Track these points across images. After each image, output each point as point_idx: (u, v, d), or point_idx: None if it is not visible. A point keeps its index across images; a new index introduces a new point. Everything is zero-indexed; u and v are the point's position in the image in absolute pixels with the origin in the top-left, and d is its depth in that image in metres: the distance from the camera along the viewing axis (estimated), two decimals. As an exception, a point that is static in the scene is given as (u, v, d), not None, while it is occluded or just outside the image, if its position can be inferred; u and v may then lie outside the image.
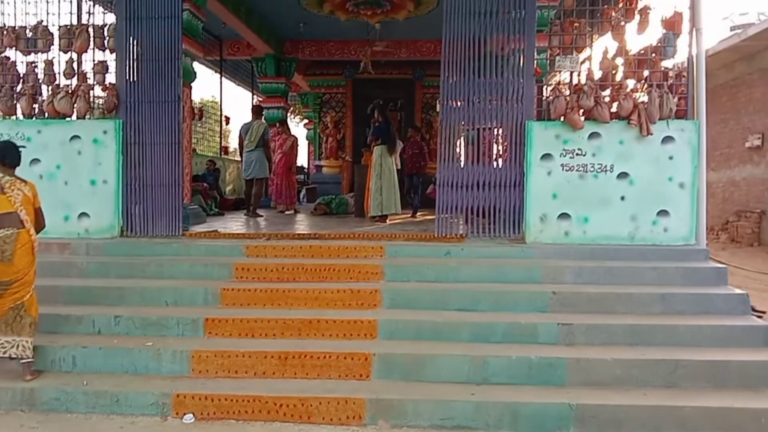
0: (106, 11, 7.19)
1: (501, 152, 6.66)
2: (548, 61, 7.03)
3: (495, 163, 6.58)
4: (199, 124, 14.57)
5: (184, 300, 5.25)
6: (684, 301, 5.09)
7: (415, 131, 10.86)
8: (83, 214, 6.36)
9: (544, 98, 6.48)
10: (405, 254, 5.91)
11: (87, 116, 6.51)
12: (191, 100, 8.25)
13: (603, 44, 6.66)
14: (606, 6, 6.59)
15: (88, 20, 6.96)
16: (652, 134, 5.89)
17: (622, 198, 5.95)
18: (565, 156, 6.01)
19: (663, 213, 5.93)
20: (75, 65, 6.74)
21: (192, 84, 7.77)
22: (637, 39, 6.53)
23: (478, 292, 5.16)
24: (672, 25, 6.26)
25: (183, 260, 5.84)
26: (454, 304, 5.10)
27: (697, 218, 5.93)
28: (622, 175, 5.95)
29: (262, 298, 5.23)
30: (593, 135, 5.99)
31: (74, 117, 6.53)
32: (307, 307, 5.14)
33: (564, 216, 6.00)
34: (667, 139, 5.93)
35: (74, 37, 6.63)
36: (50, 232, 6.16)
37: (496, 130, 6.56)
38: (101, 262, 5.83)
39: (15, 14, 6.82)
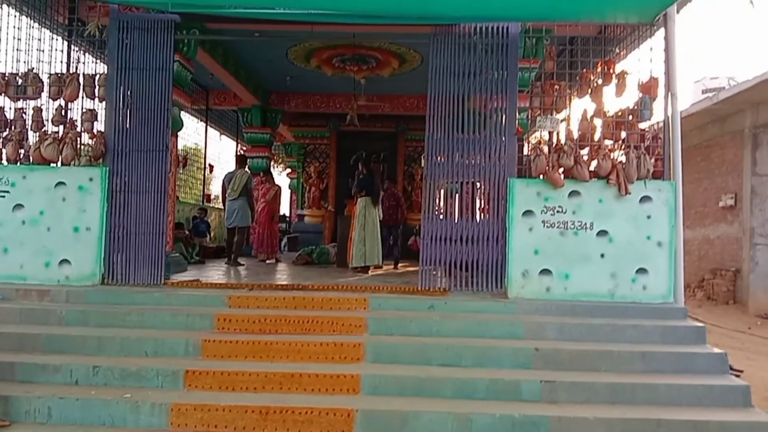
0: (97, 61, 7.31)
1: (483, 206, 6.78)
2: (529, 121, 7.26)
3: (477, 218, 6.70)
4: (181, 171, 14.62)
5: (165, 351, 5.17)
6: (664, 360, 5.14)
7: (392, 183, 11.00)
8: (64, 261, 6.29)
9: (525, 155, 6.65)
10: (389, 307, 5.92)
11: (73, 163, 6.52)
12: (177, 149, 8.32)
13: (582, 105, 6.90)
14: (585, 70, 6.85)
15: (77, 69, 7.06)
16: (630, 194, 6.06)
17: (602, 255, 6.06)
18: (546, 213, 6.14)
19: (642, 271, 6.04)
20: (64, 113, 6.80)
21: (178, 133, 7.86)
22: (615, 101, 6.80)
23: (462, 347, 5.17)
24: (648, 89, 6.51)
25: (164, 310, 5.77)
26: (438, 359, 5.09)
27: (675, 277, 6.05)
28: (602, 233, 6.08)
29: (244, 350, 5.18)
30: (573, 193, 6.14)
31: (59, 164, 6.54)
32: (290, 361, 5.09)
33: (545, 272, 6.09)
34: (645, 199, 6.10)
35: (64, 85, 6.71)
36: (30, 279, 6.20)
37: (478, 184, 6.71)
38: (81, 309, 5.73)
39: (6, 61, 6.90)
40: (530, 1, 5.71)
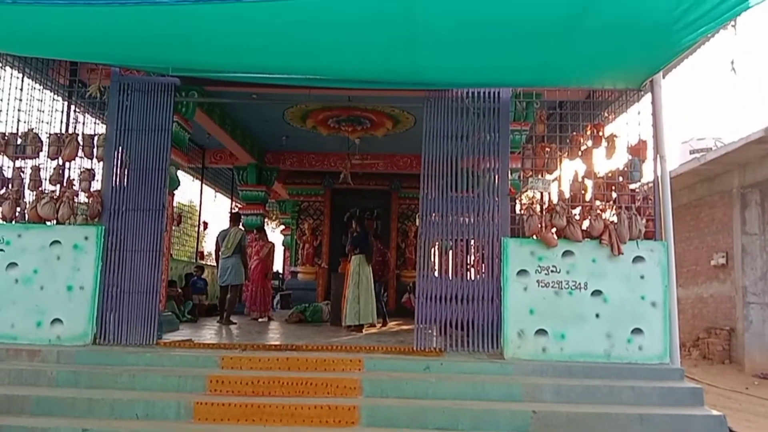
0: (97, 121, 7.43)
1: (476, 264, 6.81)
2: (521, 181, 7.38)
3: (472, 276, 6.71)
4: (176, 228, 14.66)
5: (156, 413, 5.08)
6: (662, 422, 5.08)
7: (376, 239, 11.03)
8: (56, 320, 6.22)
9: (517, 215, 6.73)
10: (384, 368, 5.85)
11: (69, 222, 6.54)
12: (173, 207, 8.36)
13: (573, 166, 7.03)
14: (575, 132, 7.01)
15: (75, 129, 7.17)
16: (623, 254, 6.11)
17: (597, 315, 6.06)
18: (540, 272, 6.17)
19: (637, 331, 6.04)
20: (62, 172, 6.86)
21: (175, 191, 7.93)
22: (606, 162, 6.93)
23: (458, 410, 5.10)
24: (637, 151, 6.65)
25: (156, 371, 5.70)
26: (434, 423, 5.02)
27: (671, 337, 6.04)
28: (596, 293, 6.10)
29: (236, 413, 5.09)
30: (567, 253, 6.19)
31: (54, 222, 6.56)
32: (283, 424, 5.01)
33: (541, 332, 6.07)
34: (638, 259, 6.15)
35: (63, 145, 6.78)
36: (21, 338, 6.13)
37: (472, 241, 6.75)
38: (72, 370, 5.64)
39: (7, 121, 7.01)
40: (520, 69, 5.89)
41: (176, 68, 6.30)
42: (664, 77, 6.51)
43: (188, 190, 14.97)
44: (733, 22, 4.89)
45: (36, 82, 7.30)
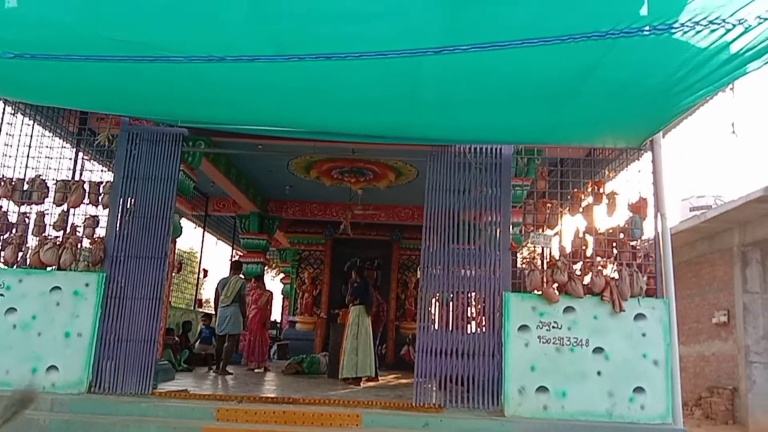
0: (104, 169, 7.52)
1: (476, 316, 6.78)
2: (522, 235, 7.42)
3: (472, 329, 6.67)
4: (175, 275, 14.63)
5: (149, 467, 4.98)
6: (666, 486, 4.98)
7: (375, 290, 10.99)
8: (52, 367, 6.15)
9: (519, 269, 6.74)
10: (382, 424, 5.76)
11: (71, 268, 6.54)
12: (174, 254, 8.37)
13: (574, 222, 7.08)
14: (575, 189, 7.09)
15: (81, 176, 7.25)
16: (624, 311, 6.09)
17: (599, 373, 6.00)
18: (541, 328, 6.13)
19: (639, 390, 5.96)
20: (66, 218, 6.90)
21: (177, 239, 7.94)
22: (607, 219, 6.97)
23: (457, 469, 5.00)
24: (638, 209, 6.71)
25: (150, 421, 5.60)
26: (433, 482, 4.91)
27: (673, 396, 5.96)
28: (598, 350, 6.05)
29: (232, 467, 5.00)
30: (568, 309, 6.16)
31: (55, 268, 6.56)
32: (279, 480, 4.90)
33: (542, 389, 5.99)
34: (639, 317, 6.12)
35: (70, 191, 6.85)
36: (15, 385, 5.99)
37: (473, 295, 6.74)
38: (65, 419, 5.56)
39: (15, 167, 7.08)
40: (522, 129, 6.02)
41: (185, 120, 6.43)
42: (664, 137, 6.62)
43: (189, 236, 14.94)
44: (731, 86, 5.01)
45: (46, 129, 7.42)
